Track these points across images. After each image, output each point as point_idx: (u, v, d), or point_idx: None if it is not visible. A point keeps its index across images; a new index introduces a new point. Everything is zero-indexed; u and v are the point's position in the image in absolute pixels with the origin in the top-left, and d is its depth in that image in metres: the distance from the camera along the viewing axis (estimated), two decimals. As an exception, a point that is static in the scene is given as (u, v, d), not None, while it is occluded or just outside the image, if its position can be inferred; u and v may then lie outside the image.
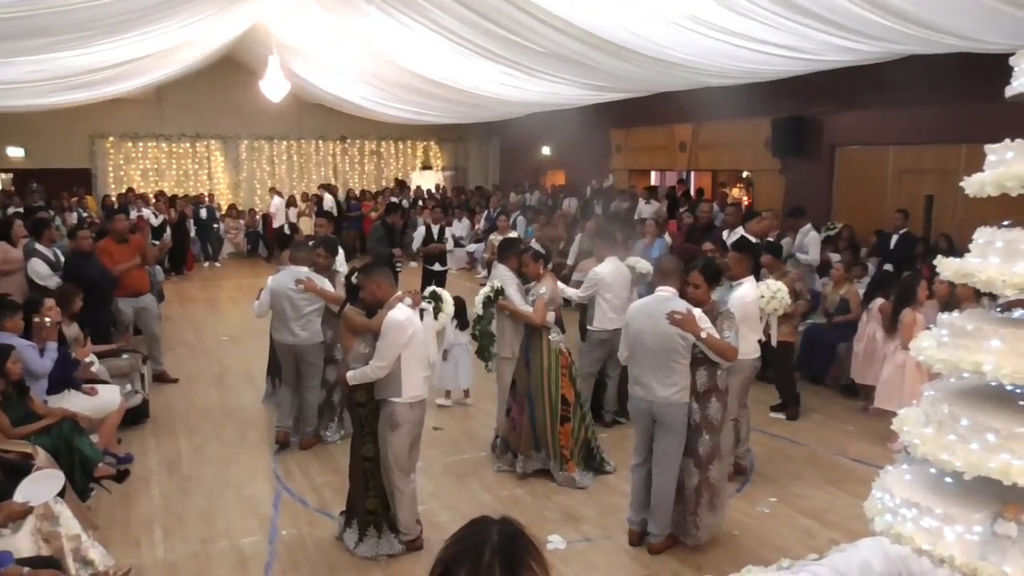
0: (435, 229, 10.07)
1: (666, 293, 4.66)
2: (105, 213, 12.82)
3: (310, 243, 6.89)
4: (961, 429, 2.45)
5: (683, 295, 4.70)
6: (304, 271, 6.32)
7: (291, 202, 18.06)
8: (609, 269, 6.68)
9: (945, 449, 2.44)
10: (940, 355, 2.56)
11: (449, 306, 5.14)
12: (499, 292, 6.01)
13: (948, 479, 2.53)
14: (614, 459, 6.03)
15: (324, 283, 6.38)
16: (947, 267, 2.65)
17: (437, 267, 9.82)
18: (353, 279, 5.43)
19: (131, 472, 5.66)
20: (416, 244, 9.88)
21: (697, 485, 4.71)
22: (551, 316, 5.80)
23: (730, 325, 4.71)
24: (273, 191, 18.53)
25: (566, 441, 5.71)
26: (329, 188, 18.67)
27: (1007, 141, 2.54)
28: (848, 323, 7.84)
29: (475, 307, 6.11)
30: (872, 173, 11.29)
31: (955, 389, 2.68)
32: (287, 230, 10.94)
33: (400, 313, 4.50)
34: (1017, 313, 2.66)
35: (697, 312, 4.52)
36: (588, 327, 6.86)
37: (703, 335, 4.46)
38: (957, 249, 8.47)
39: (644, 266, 7.14)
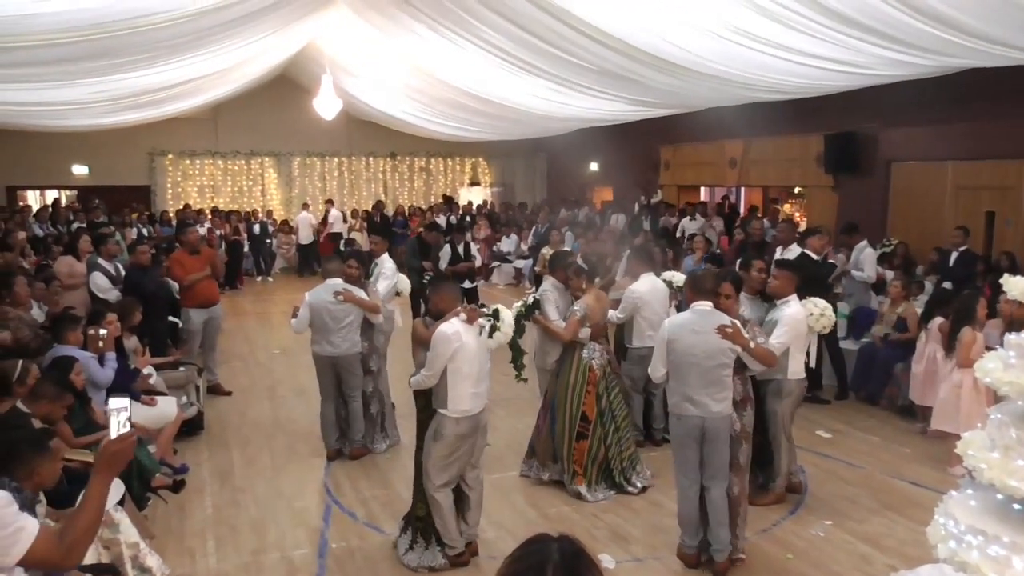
0: (460, 248, 10.23)
1: (707, 307, 4.65)
2: (177, 226, 13.22)
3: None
4: (1030, 454, 2.37)
5: (715, 307, 4.70)
6: (340, 283, 6.44)
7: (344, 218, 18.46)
8: (646, 287, 6.62)
9: (1013, 475, 2.36)
10: (1008, 377, 2.48)
11: (508, 326, 5.04)
12: (532, 307, 6.06)
13: (1016, 506, 2.44)
14: (664, 477, 5.97)
15: (360, 294, 6.52)
16: (1015, 286, 2.57)
17: (466, 284, 9.96)
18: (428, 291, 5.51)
19: (186, 483, 5.78)
20: (443, 264, 10.02)
21: (738, 495, 4.71)
22: (585, 332, 5.77)
23: (760, 332, 4.90)
24: (305, 207, 18.72)
25: (579, 457, 5.73)
26: (372, 205, 18.85)
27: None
28: (905, 342, 7.64)
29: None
30: (929, 189, 11.01)
31: (1023, 413, 2.58)
32: (343, 245, 11.14)
33: (449, 327, 4.58)
34: (1089, 334, 2.56)
35: (737, 323, 4.58)
36: (627, 345, 6.81)
37: (752, 345, 4.54)
38: (1019, 267, 8.21)
39: (680, 279, 7.08)
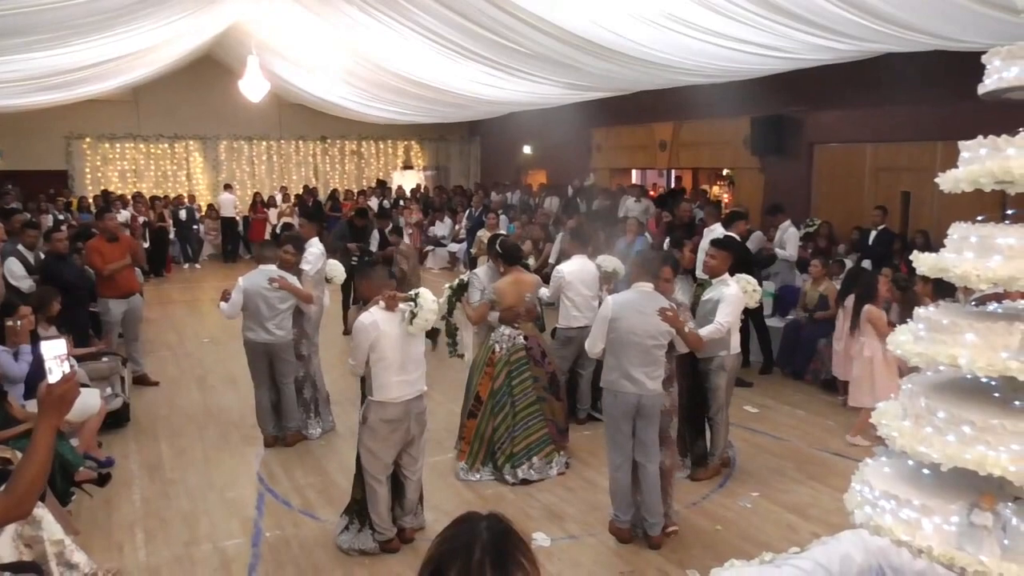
0: (388, 232, 10.17)
1: (649, 288, 4.75)
2: (96, 212, 12.70)
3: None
4: (938, 421, 2.48)
5: (656, 289, 4.80)
6: (274, 269, 6.33)
7: (270, 203, 18.03)
8: (573, 268, 6.71)
9: (922, 441, 2.47)
10: (917, 349, 2.59)
11: (428, 311, 4.70)
12: (458, 289, 6.17)
13: (926, 471, 2.56)
14: (597, 455, 6.08)
15: (294, 281, 6.43)
16: (923, 262, 2.68)
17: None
18: None
19: (112, 476, 5.59)
20: (374, 247, 9.96)
21: (669, 467, 4.92)
22: (493, 315, 5.84)
23: (689, 317, 5.12)
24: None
25: (467, 435, 5.87)
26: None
27: (980, 138, 2.57)
28: (827, 319, 7.92)
29: (441, 298, 6.18)
30: (850, 170, 11.40)
31: (932, 382, 2.71)
32: (279, 230, 10.94)
33: (367, 317, 4.56)
34: (991, 307, 2.70)
35: (675, 307, 4.73)
36: (556, 325, 6.89)
37: (686, 329, 4.69)
38: (933, 245, 8.59)
39: (609, 264, 7.17)
